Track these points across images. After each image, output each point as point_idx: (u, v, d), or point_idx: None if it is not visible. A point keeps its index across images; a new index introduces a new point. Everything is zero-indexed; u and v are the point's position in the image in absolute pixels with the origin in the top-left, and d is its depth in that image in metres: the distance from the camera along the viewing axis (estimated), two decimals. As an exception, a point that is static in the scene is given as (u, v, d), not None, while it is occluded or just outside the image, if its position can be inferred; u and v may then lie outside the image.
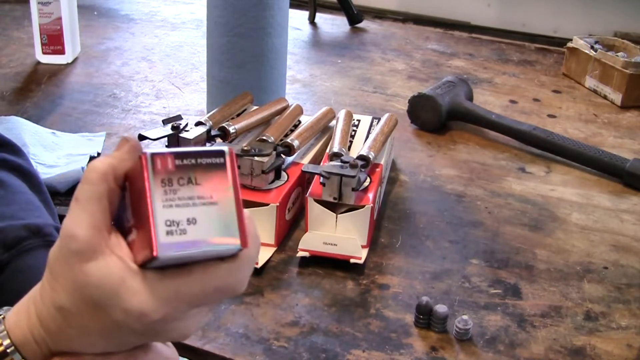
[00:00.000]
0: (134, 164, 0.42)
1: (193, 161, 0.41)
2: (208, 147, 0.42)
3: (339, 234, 0.81)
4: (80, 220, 0.41)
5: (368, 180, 0.85)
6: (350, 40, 1.55)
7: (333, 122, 1.00)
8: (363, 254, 0.80)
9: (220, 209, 0.41)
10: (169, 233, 0.40)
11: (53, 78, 1.26)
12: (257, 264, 0.78)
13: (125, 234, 0.43)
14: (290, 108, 1.01)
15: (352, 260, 0.80)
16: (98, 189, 0.41)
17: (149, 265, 0.40)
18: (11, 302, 0.46)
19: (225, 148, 0.42)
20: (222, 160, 0.41)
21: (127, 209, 0.42)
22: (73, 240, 0.40)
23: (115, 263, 0.40)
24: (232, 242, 0.41)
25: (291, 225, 0.88)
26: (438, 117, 1.14)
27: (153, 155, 0.40)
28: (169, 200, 0.40)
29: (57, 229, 0.60)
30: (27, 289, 0.45)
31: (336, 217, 0.81)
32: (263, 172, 0.82)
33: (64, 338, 0.42)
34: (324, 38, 1.57)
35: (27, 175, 0.67)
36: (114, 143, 1.04)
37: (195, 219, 0.40)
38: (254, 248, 0.44)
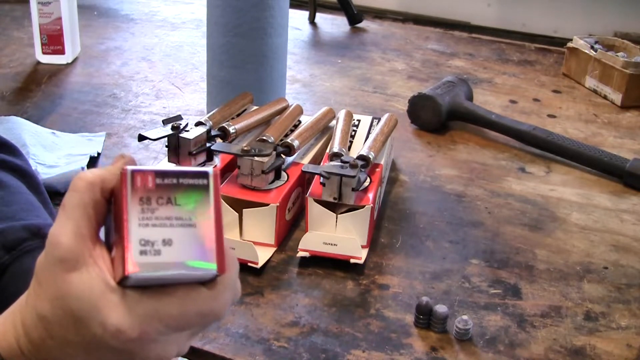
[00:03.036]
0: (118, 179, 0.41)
1: (174, 181, 0.40)
2: (192, 168, 0.41)
3: (339, 234, 0.81)
4: (65, 228, 0.40)
5: (368, 180, 0.85)
6: (350, 40, 1.55)
7: (333, 122, 1.00)
8: (363, 254, 0.80)
9: (199, 232, 0.40)
10: (142, 253, 0.39)
11: (53, 78, 1.26)
12: (257, 264, 0.78)
13: (110, 249, 0.42)
14: (290, 108, 1.01)
15: (352, 261, 0.80)
16: (83, 197, 0.41)
17: (125, 283, 0.40)
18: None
19: (209, 169, 0.41)
20: (205, 182, 0.41)
21: (112, 224, 0.42)
22: (57, 247, 0.40)
23: (97, 275, 0.40)
24: (208, 267, 0.40)
25: (291, 225, 0.88)
26: (438, 117, 1.14)
27: (133, 172, 0.40)
28: (146, 219, 0.39)
29: None
30: None
31: (336, 217, 0.81)
32: (263, 172, 0.82)
33: (45, 349, 0.42)
34: (324, 38, 1.57)
35: (26, 176, 0.67)
36: (114, 143, 1.04)
37: (171, 240, 0.39)
38: (234, 273, 0.43)
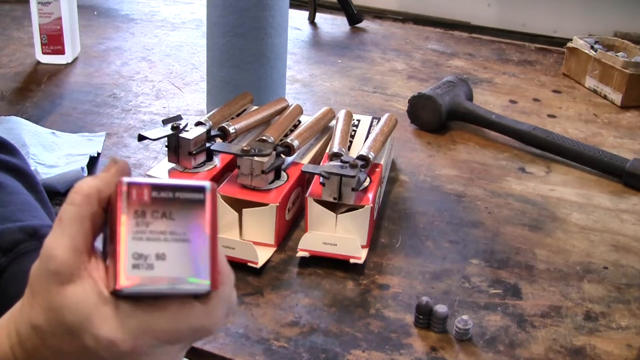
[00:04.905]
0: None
1: (170, 195, 0.39)
2: (189, 182, 0.40)
3: (338, 234, 0.81)
4: (61, 242, 0.40)
5: (368, 180, 0.85)
6: (350, 40, 1.55)
7: (333, 122, 1.00)
8: (363, 254, 0.80)
9: (193, 248, 0.39)
10: (135, 267, 0.38)
11: (53, 78, 1.26)
12: (256, 264, 0.78)
13: (106, 257, 0.42)
14: (290, 108, 1.01)
15: (352, 261, 0.80)
16: (81, 211, 0.41)
17: (118, 294, 0.40)
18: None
19: (207, 184, 0.40)
20: (201, 196, 0.40)
21: (108, 232, 0.42)
22: (52, 260, 0.40)
23: (90, 288, 0.40)
24: (200, 283, 0.39)
25: (291, 225, 0.88)
26: (438, 117, 1.14)
27: (129, 184, 0.39)
28: (140, 232, 0.39)
29: None
30: None
31: (336, 217, 0.81)
32: (263, 172, 0.82)
33: (39, 358, 0.42)
34: (324, 38, 1.57)
35: (24, 175, 0.67)
36: (114, 143, 1.04)
37: (164, 254, 0.39)
38: (229, 287, 0.43)
